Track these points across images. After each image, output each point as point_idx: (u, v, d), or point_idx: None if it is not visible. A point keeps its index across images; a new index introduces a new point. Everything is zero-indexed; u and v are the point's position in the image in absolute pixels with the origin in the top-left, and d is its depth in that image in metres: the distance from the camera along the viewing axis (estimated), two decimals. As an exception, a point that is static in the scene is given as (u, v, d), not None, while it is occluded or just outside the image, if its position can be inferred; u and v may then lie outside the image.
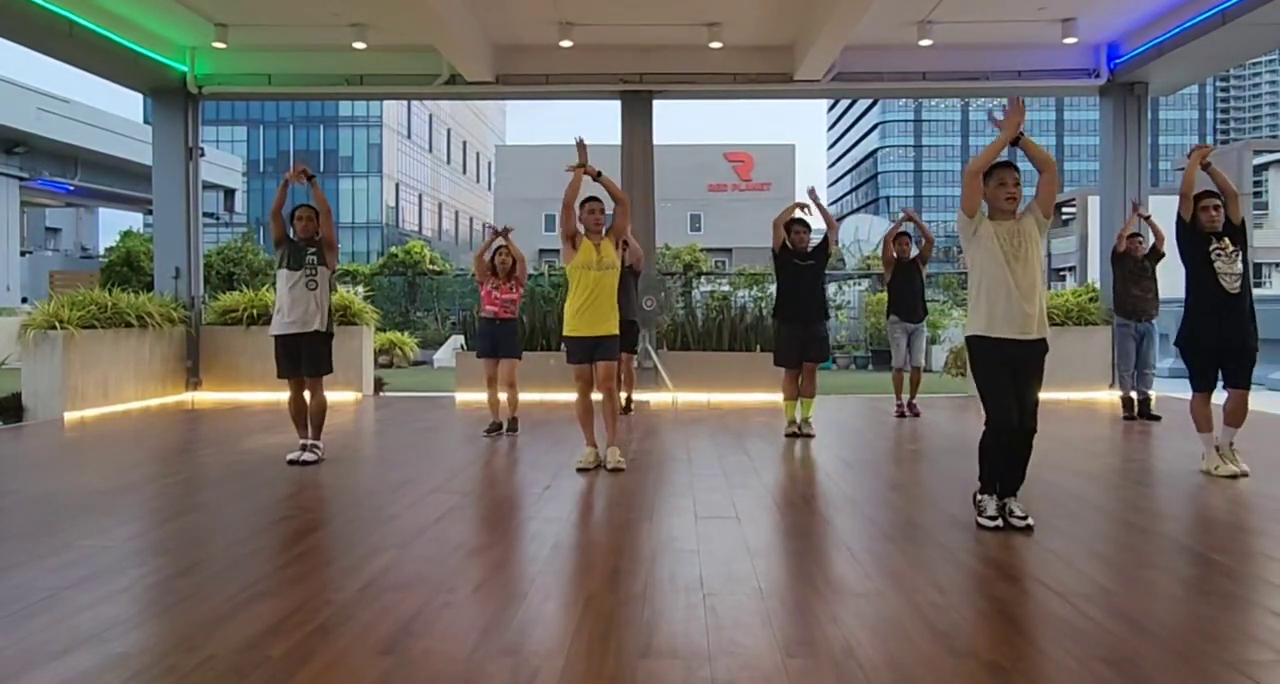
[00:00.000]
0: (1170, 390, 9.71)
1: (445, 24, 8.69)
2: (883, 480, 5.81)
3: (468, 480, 5.67)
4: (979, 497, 4.47)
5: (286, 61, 10.74)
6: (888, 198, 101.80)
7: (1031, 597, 3.44)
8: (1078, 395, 10.14)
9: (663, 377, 10.18)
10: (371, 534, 4.30)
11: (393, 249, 24.65)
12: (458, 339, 15.47)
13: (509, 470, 6.20)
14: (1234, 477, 5.51)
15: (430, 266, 22.97)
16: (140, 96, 20.13)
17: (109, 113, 29.38)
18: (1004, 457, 4.38)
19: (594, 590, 3.45)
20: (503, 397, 7.56)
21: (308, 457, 6.07)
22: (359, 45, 9.89)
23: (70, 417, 8.57)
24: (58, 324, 8.63)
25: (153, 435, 7.80)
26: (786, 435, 7.37)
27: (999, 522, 4.33)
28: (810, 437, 7.28)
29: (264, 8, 9.45)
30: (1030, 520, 4.29)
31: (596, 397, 5.97)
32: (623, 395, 8.65)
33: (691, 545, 4.07)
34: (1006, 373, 4.31)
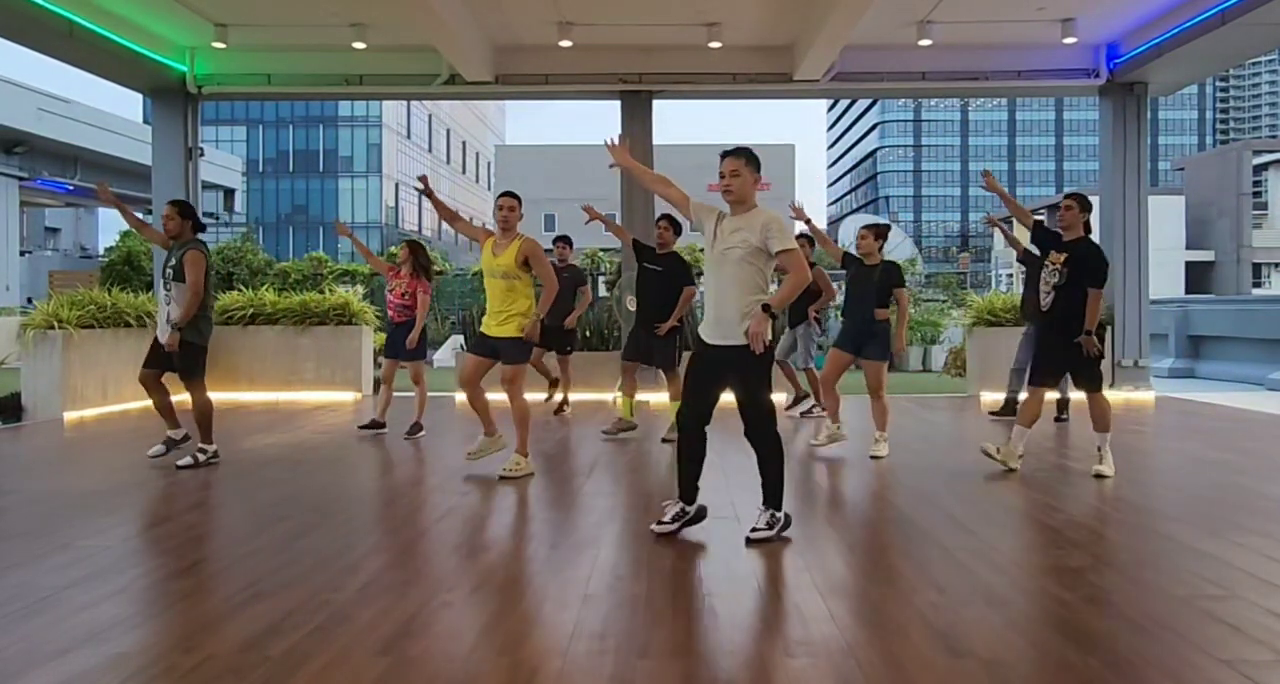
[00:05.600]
0: (1170, 390, 9.71)
1: (445, 24, 8.69)
2: (882, 480, 5.80)
3: (466, 481, 5.66)
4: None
5: (286, 61, 10.74)
6: (887, 197, 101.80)
7: (1031, 597, 3.44)
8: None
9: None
10: (370, 534, 4.30)
11: (392, 249, 24.63)
12: (458, 339, 15.45)
13: (509, 470, 6.18)
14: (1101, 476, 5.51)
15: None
16: (140, 96, 20.14)
17: (109, 113, 29.42)
18: (694, 459, 4.26)
19: (594, 590, 3.45)
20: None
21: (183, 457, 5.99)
22: (359, 45, 9.89)
23: (70, 416, 8.56)
24: (57, 324, 8.62)
25: (152, 435, 7.76)
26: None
27: (670, 526, 4.17)
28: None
29: (264, 8, 9.44)
30: (773, 533, 4.08)
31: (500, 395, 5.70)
32: (558, 397, 8.79)
33: (691, 545, 4.08)
34: (704, 374, 4.22)
